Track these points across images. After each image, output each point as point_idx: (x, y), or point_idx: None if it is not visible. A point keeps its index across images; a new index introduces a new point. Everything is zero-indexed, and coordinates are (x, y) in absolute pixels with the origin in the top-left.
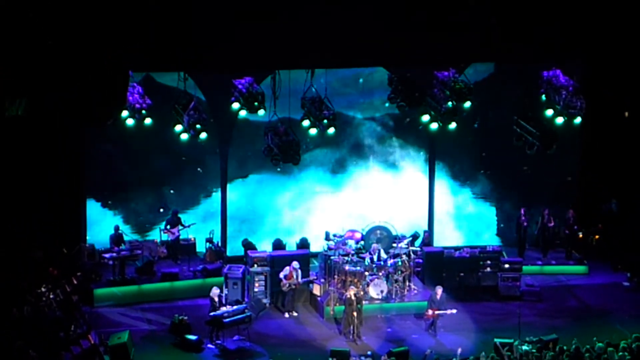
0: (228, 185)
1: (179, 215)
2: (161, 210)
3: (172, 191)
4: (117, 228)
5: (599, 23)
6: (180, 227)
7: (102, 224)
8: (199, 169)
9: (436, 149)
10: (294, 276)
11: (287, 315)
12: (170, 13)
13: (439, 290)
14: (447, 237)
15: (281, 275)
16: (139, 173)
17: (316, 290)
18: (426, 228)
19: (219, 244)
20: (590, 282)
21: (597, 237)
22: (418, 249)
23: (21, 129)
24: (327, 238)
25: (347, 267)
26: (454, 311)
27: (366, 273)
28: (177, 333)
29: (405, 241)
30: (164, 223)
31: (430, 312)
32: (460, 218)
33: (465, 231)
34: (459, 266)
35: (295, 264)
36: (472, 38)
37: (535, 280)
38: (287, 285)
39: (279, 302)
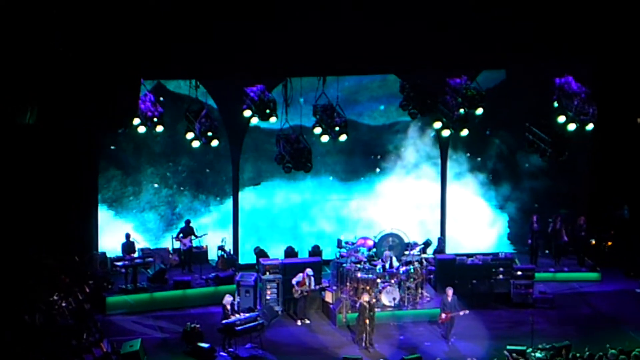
0: (240, 193)
1: (191, 225)
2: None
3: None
4: (128, 236)
5: (611, 29)
6: (192, 237)
7: (114, 231)
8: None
9: (448, 156)
10: (307, 283)
11: (299, 322)
12: (181, 21)
13: (450, 292)
14: (460, 243)
15: (294, 281)
16: (150, 180)
17: (328, 297)
18: (439, 235)
19: (231, 252)
20: (603, 289)
21: (609, 243)
22: (430, 256)
23: (33, 137)
24: (339, 245)
25: (359, 275)
26: (467, 311)
27: (378, 280)
28: (189, 341)
29: (418, 248)
30: (177, 231)
31: (443, 315)
32: (472, 224)
33: (478, 238)
34: (471, 273)
35: (308, 270)
36: (483, 44)
37: (548, 287)
38: (299, 292)
39: (292, 309)
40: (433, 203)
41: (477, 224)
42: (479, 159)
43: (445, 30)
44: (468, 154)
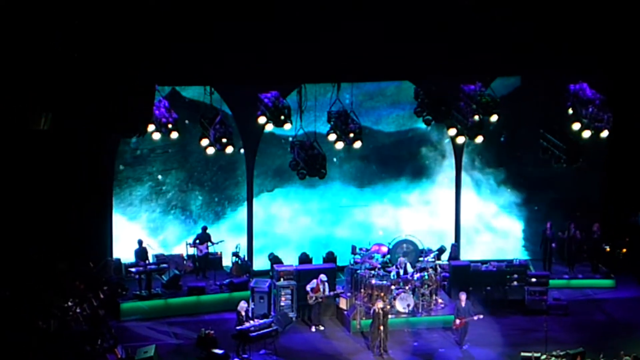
0: (254, 199)
1: (208, 232)
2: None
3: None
4: (140, 242)
5: (625, 36)
6: (209, 244)
7: (128, 238)
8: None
9: (462, 163)
10: (321, 289)
11: (313, 329)
12: (195, 27)
13: (463, 297)
14: (474, 250)
15: (308, 288)
16: (165, 187)
17: (343, 304)
18: (453, 241)
19: (246, 258)
20: (617, 295)
21: (623, 250)
22: (445, 262)
23: (48, 143)
24: (354, 252)
25: (373, 281)
26: (481, 316)
27: (392, 287)
28: (203, 347)
29: (432, 255)
30: (193, 237)
31: (458, 321)
32: (486, 231)
33: (492, 245)
34: (485, 280)
35: (322, 276)
36: (498, 51)
37: (562, 294)
38: (314, 298)
39: (306, 315)
40: (447, 209)
41: (491, 229)
42: (496, 165)
43: (456, 36)
44: (484, 160)
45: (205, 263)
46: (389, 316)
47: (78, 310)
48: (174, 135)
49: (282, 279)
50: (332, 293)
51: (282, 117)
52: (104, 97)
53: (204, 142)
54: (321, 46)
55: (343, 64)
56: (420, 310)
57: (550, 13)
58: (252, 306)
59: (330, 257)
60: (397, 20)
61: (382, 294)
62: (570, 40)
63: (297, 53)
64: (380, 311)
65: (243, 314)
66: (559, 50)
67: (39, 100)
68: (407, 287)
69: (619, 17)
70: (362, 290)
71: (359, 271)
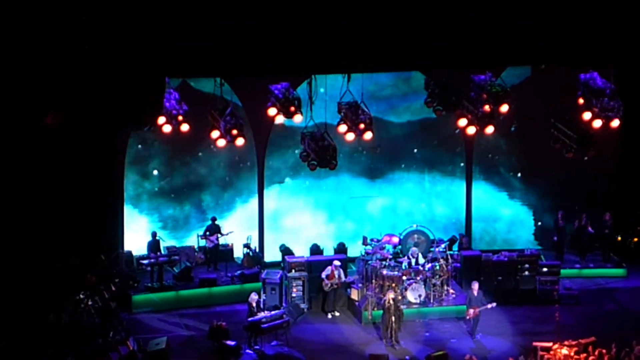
0: (265, 191)
1: (217, 223)
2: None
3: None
4: (154, 234)
5: (634, 26)
6: (218, 235)
7: (139, 230)
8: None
9: (473, 153)
10: (336, 275)
11: (329, 315)
12: (205, 19)
13: (475, 286)
14: (485, 240)
15: (323, 275)
16: (176, 179)
17: (354, 294)
18: (464, 232)
19: (257, 250)
20: (629, 285)
21: (635, 239)
22: (456, 252)
23: (59, 136)
24: (365, 242)
25: (384, 272)
26: (494, 304)
27: (404, 277)
28: (215, 339)
29: (443, 245)
30: (203, 229)
31: (471, 311)
32: (497, 221)
33: (503, 235)
34: (497, 270)
35: (336, 262)
36: (508, 41)
37: (574, 283)
38: (329, 285)
39: (321, 302)
40: (458, 199)
41: (501, 219)
42: (503, 155)
43: (456, 35)
44: (493, 150)
45: (216, 255)
46: (401, 307)
47: (90, 302)
48: (185, 127)
49: (293, 270)
50: (347, 279)
51: (293, 109)
52: (114, 90)
53: (214, 134)
54: (331, 37)
55: (353, 55)
56: (431, 301)
57: (551, 11)
58: (264, 297)
59: (341, 248)
60: (406, 10)
61: (394, 285)
62: (570, 40)
63: (307, 44)
64: (392, 302)
65: (254, 305)
66: (560, 50)
67: (45, 98)
68: (418, 278)
69: (620, 12)
70: (374, 280)
71: (370, 262)
